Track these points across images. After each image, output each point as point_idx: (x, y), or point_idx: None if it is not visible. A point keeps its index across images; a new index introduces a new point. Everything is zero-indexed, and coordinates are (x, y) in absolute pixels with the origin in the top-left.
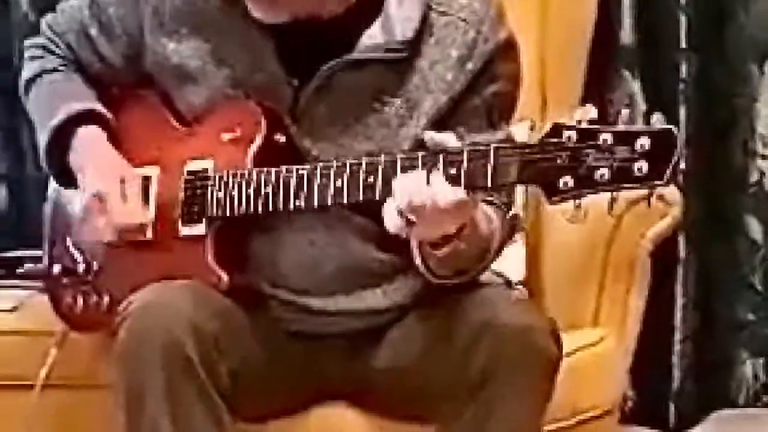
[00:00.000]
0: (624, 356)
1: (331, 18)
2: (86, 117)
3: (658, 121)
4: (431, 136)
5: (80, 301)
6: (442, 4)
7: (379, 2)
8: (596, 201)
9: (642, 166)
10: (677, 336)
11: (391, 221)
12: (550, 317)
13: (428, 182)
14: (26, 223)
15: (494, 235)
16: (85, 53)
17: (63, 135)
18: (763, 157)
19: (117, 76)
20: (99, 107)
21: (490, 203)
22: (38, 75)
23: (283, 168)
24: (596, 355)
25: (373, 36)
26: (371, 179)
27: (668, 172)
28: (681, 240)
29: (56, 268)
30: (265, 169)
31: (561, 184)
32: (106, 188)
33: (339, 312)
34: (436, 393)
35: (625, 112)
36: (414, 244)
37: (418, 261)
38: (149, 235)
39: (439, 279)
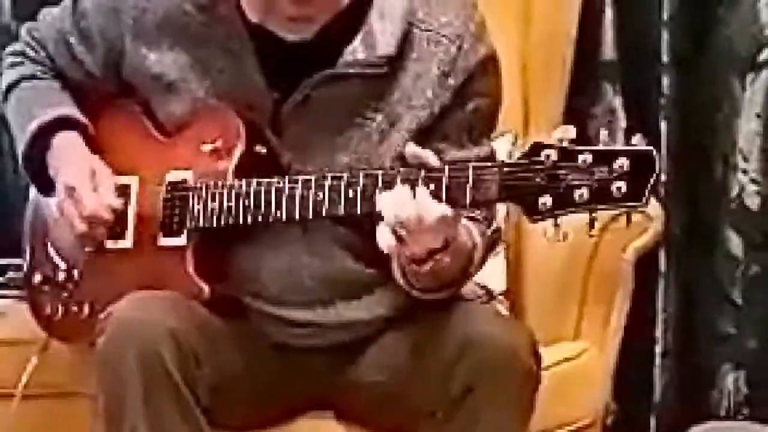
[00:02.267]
0: (605, 369)
1: (313, 33)
2: (64, 124)
3: (638, 141)
4: (413, 150)
5: (61, 310)
6: (424, 21)
7: (361, 17)
8: (578, 219)
9: (621, 186)
10: (658, 349)
11: (384, 242)
12: (530, 332)
13: (414, 196)
14: (7, 231)
15: (476, 249)
16: (65, 61)
17: (41, 142)
18: (744, 171)
19: (97, 85)
20: (76, 114)
21: (470, 218)
22: (17, 82)
23: (264, 180)
24: (578, 368)
25: (354, 51)
26: (351, 194)
27: (647, 193)
28: (662, 254)
29: (37, 278)
30: (245, 180)
31: (540, 204)
32: (76, 181)
33: (320, 324)
34: (418, 406)
35: (604, 132)
36: (394, 258)
37: (397, 275)
38: (129, 244)
39: (419, 293)
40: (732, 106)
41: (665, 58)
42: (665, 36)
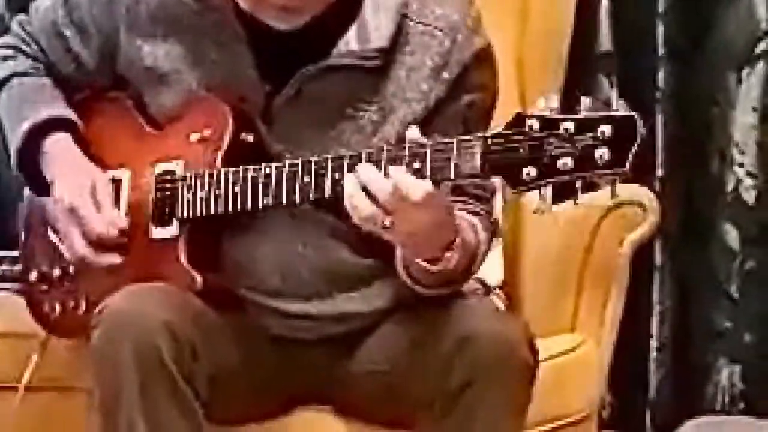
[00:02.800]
0: (601, 362)
1: (306, 24)
2: (55, 124)
3: (621, 107)
4: (413, 135)
5: (58, 307)
6: (418, 13)
7: (355, 9)
8: (571, 206)
9: (603, 153)
10: (654, 343)
11: (350, 212)
12: (527, 326)
13: (386, 175)
14: (2, 224)
15: (481, 244)
16: (58, 53)
17: (33, 143)
18: (740, 164)
19: (89, 77)
20: (68, 113)
21: (474, 213)
22: (9, 78)
23: (251, 167)
24: (574, 361)
25: (348, 43)
26: (338, 175)
27: (630, 158)
28: (658, 247)
29: (33, 274)
30: (232, 168)
31: (524, 174)
32: (76, 201)
33: (317, 316)
34: (416, 399)
35: (586, 100)
36: (398, 254)
37: (401, 271)
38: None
39: (423, 288)
40: (728, 100)
41: (661, 51)
42: (661, 29)
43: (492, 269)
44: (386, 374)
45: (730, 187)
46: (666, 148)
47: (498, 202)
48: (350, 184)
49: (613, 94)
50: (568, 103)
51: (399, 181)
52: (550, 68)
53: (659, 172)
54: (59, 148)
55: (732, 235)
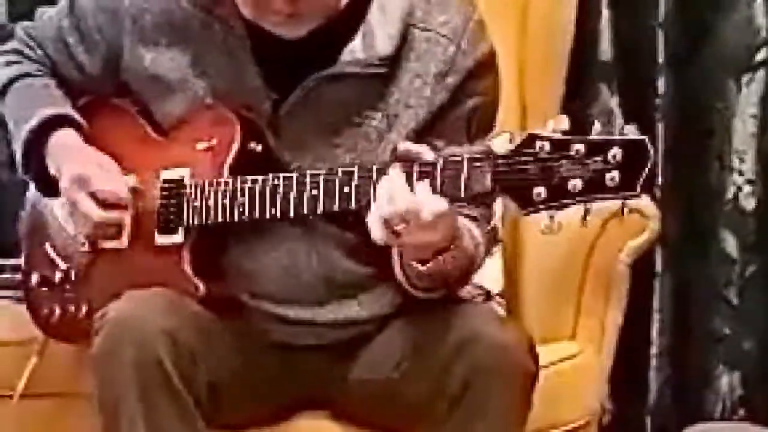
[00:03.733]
0: (601, 369)
1: (311, 31)
2: (61, 122)
3: (630, 131)
4: (406, 147)
5: (58, 311)
6: (423, 21)
7: (360, 17)
8: (573, 214)
9: (614, 176)
10: (654, 349)
11: (377, 231)
12: (527, 333)
13: (412, 189)
14: (3, 231)
15: (478, 249)
16: (63, 61)
17: (39, 141)
18: (740, 172)
19: (94, 85)
20: (73, 113)
21: (472, 218)
22: (13, 80)
23: (259, 177)
24: (574, 368)
25: (353, 51)
26: (347, 189)
27: (640, 182)
28: (658, 254)
29: (34, 278)
30: (240, 177)
31: (534, 195)
32: (87, 170)
33: (317, 322)
34: (415, 406)
35: (597, 123)
36: (395, 257)
37: (398, 274)
38: (125, 243)
39: (420, 292)
40: (728, 107)
41: (661, 59)
42: (661, 37)
43: (492, 276)
44: (386, 380)
45: (729, 194)
46: (666, 155)
47: (498, 209)
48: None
49: (614, 101)
50: (570, 113)
51: (421, 198)
52: (551, 75)
53: (659, 179)
54: (66, 141)
55: (731, 243)
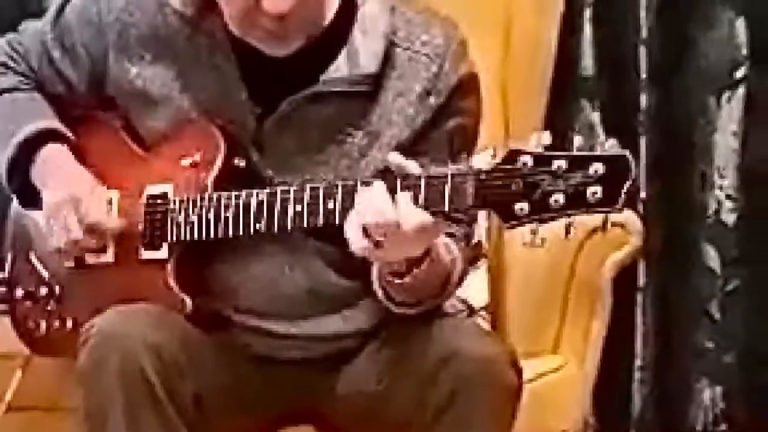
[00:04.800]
0: (585, 383)
1: (296, 49)
2: (48, 136)
3: (612, 146)
4: (395, 159)
5: (43, 325)
6: (405, 40)
7: (344, 36)
8: (557, 228)
9: (596, 191)
10: (637, 363)
11: (356, 241)
12: (511, 347)
13: (394, 201)
14: None
15: (455, 264)
16: (48, 75)
17: (26, 155)
18: (721, 187)
19: (78, 99)
20: (60, 127)
21: (449, 234)
22: None
23: (243, 192)
24: (557, 382)
25: (337, 69)
26: (330, 204)
27: (622, 197)
28: (641, 268)
29: (18, 292)
30: (224, 193)
31: (516, 210)
32: (79, 190)
33: (301, 336)
34: (399, 420)
35: (578, 137)
36: (374, 271)
37: (377, 288)
38: (110, 258)
39: (397, 307)
40: (709, 123)
41: (643, 75)
42: (643, 53)
43: (476, 290)
44: (370, 394)
45: (711, 209)
46: (648, 170)
47: (482, 224)
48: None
49: (596, 117)
50: (552, 129)
51: (403, 209)
52: (534, 92)
53: (642, 194)
54: (55, 155)
55: (713, 257)
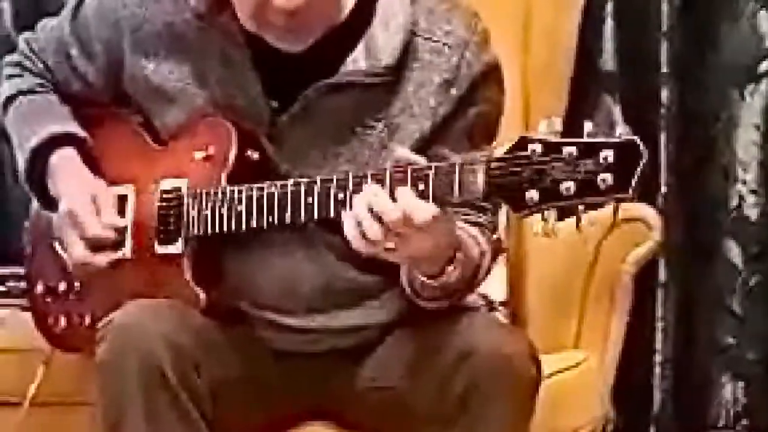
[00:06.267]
0: (605, 378)
1: (314, 41)
2: (63, 139)
3: (623, 132)
4: (403, 154)
5: (63, 320)
6: (427, 30)
7: (362, 27)
8: (573, 221)
9: (606, 178)
10: (657, 358)
11: (353, 236)
12: (530, 341)
13: (393, 198)
14: (8, 240)
15: (483, 257)
16: (64, 72)
17: (41, 159)
18: (743, 182)
19: (95, 95)
20: (76, 129)
21: (476, 224)
22: (16, 95)
23: (255, 186)
24: (578, 377)
25: (356, 60)
26: (342, 195)
27: (633, 184)
28: (661, 263)
29: (39, 287)
30: (237, 187)
31: (526, 198)
32: (76, 206)
33: (319, 330)
34: (418, 414)
35: (588, 124)
36: (403, 270)
37: (405, 283)
38: (127, 253)
39: (425, 302)
40: (731, 117)
41: (664, 69)
42: (665, 47)
43: (496, 285)
44: (389, 388)
45: (733, 204)
46: (669, 165)
47: (502, 218)
48: (358, 206)
49: (617, 112)
50: (573, 122)
51: (405, 203)
52: (554, 86)
53: (663, 189)
54: (64, 164)
55: (735, 252)
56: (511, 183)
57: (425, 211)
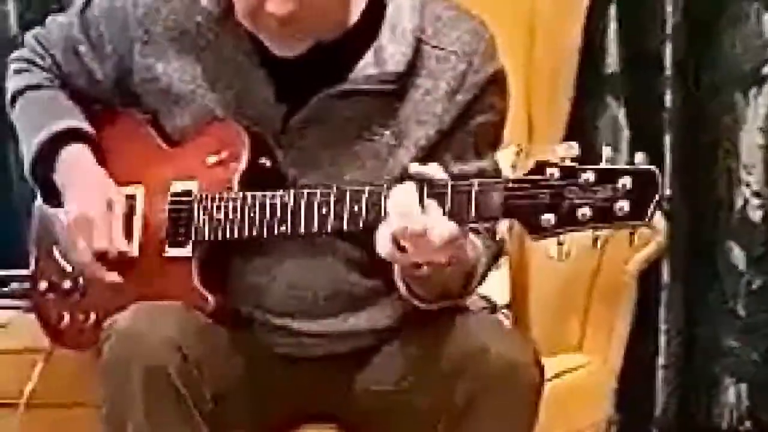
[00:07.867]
0: (608, 381)
1: (324, 46)
2: (71, 135)
3: (641, 160)
4: (417, 170)
5: (66, 317)
6: (434, 38)
7: (371, 34)
8: (582, 235)
9: (623, 206)
10: (661, 361)
11: (384, 247)
12: (533, 344)
13: (423, 209)
14: (11, 242)
15: (479, 261)
16: (73, 70)
17: (48, 153)
18: (747, 184)
19: (103, 94)
20: (84, 125)
21: (473, 230)
22: (23, 90)
23: (269, 194)
24: (581, 380)
25: (365, 67)
26: (356, 208)
27: (650, 212)
28: (665, 266)
29: (43, 285)
30: (250, 193)
31: (543, 221)
32: (91, 211)
33: (324, 334)
34: (421, 418)
35: (607, 149)
36: (396, 269)
37: (399, 284)
38: (135, 253)
39: (420, 302)
40: (735, 120)
41: (668, 72)
42: (668, 49)
43: (499, 288)
44: (392, 392)
45: (737, 206)
46: (673, 168)
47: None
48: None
49: (621, 114)
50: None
51: (432, 219)
52: (558, 89)
53: (666, 191)
54: (75, 158)
55: (739, 255)
56: (528, 206)
57: (448, 230)
